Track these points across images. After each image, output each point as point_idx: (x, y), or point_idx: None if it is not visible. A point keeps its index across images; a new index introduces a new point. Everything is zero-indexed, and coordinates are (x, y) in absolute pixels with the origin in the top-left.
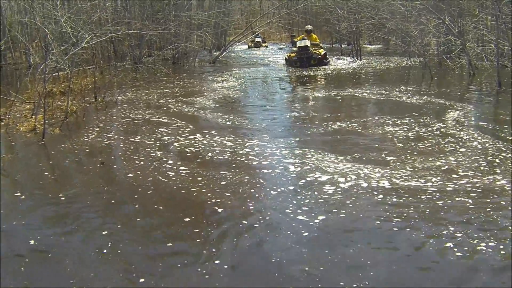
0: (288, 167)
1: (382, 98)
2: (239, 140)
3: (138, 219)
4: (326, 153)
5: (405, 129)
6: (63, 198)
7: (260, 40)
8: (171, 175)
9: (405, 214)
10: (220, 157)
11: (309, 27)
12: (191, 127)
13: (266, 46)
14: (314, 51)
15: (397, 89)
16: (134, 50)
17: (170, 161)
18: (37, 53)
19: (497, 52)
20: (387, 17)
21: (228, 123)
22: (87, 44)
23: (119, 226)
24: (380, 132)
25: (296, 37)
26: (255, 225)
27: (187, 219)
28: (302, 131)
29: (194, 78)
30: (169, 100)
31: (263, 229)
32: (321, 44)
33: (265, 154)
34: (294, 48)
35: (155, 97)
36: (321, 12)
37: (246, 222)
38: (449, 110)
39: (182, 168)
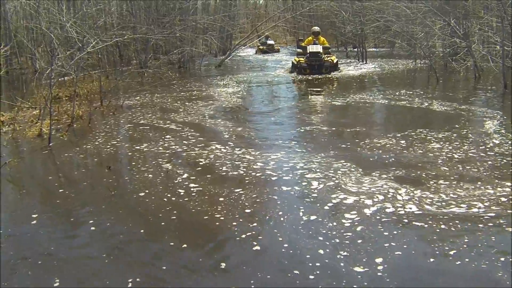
0: (310, 183)
1: (407, 105)
2: (252, 152)
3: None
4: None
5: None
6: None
7: (272, 42)
8: (181, 193)
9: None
10: (234, 172)
11: (316, 28)
12: (199, 135)
13: (278, 50)
14: (326, 59)
15: (415, 94)
16: (140, 54)
17: (179, 177)
18: (43, 58)
19: (503, 53)
20: (392, 19)
21: (238, 132)
22: (92, 48)
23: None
24: (420, 149)
25: (303, 41)
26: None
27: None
28: (325, 143)
29: (200, 82)
30: (176, 106)
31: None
32: (329, 46)
33: (284, 169)
34: (299, 50)
35: (161, 102)
36: (326, 15)
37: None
38: (485, 119)
39: (192, 185)
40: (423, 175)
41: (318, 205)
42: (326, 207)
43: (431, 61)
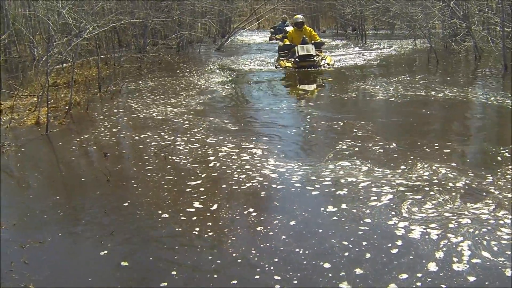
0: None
1: (420, 96)
2: (258, 154)
3: None
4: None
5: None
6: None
7: (291, 28)
8: (177, 179)
9: None
10: (243, 186)
11: (299, 18)
12: (199, 125)
13: None
14: (320, 62)
15: (415, 80)
16: (138, 39)
17: (176, 163)
18: (41, 46)
19: (503, 34)
20: (391, 1)
21: (239, 127)
22: (89, 34)
23: None
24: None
25: (287, 30)
26: None
27: None
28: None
29: (198, 67)
30: (174, 92)
31: None
32: (321, 39)
33: (291, 181)
34: (281, 44)
35: (160, 87)
36: None
37: None
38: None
39: (196, 204)
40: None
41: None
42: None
43: (431, 43)
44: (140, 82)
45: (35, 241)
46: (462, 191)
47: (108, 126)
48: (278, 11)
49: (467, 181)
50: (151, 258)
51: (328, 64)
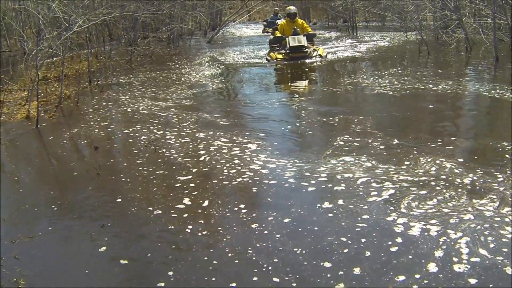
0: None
1: (415, 90)
2: (250, 149)
3: None
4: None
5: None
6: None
7: (282, 21)
8: (166, 172)
9: None
10: (234, 182)
11: (292, 9)
12: (189, 119)
13: None
14: (312, 53)
15: (405, 73)
16: (129, 32)
17: (166, 157)
18: (31, 40)
19: (494, 26)
20: None
21: (230, 122)
22: (79, 28)
23: None
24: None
25: (279, 23)
26: None
27: None
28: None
29: (189, 60)
30: (164, 85)
31: None
32: (314, 31)
33: (284, 177)
34: (272, 37)
35: (150, 81)
36: None
37: None
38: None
39: (186, 201)
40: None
41: None
42: None
43: (422, 35)
44: (131, 76)
45: (25, 236)
46: (468, 187)
47: (98, 119)
48: (269, 3)
49: (474, 178)
50: (148, 255)
51: (320, 55)
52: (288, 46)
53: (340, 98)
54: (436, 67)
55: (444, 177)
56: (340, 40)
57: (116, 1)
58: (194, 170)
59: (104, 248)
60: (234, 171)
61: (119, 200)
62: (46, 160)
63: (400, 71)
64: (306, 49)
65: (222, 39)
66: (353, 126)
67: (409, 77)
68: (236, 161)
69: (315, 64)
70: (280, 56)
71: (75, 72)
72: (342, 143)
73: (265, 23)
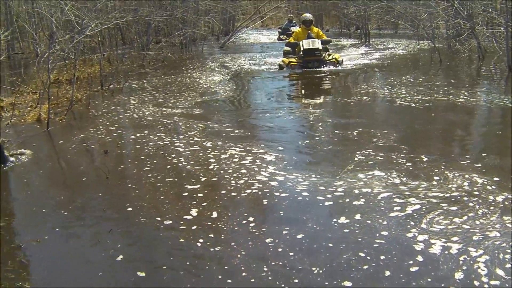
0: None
1: (443, 101)
2: (262, 160)
3: None
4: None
5: None
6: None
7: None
8: (176, 179)
9: None
10: (243, 193)
11: (308, 16)
12: (199, 127)
13: None
14: (328, 58)
15: (417, 83)
16: (142, 37)
17: (175, 163)
18: (44, 42)
19: (507, 35)
20: (396, 0)
21: (242, 131)
22: (91, 31)
23: None
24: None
25: (293, 30)
26: None
27: None
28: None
29: (201, 66)
30: (175, 91)
31: None
32: (329, 38)
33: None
34: (287, 48)
35: (161, 86)
36: None
37: None
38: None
39: (194, 212)
40: None
41: None
42: None
43: (434, 43)
44: (144, 80)
45: (32, 240)
46: (501, 205)
47: (107, 123)
48: (282, 9)
49: (508, 196)
50: (159, 272)
51: (336, 60)
52: (302, 49)
53: (358, 110)
54: (449, 77)
55: (476, 193)
56: (355, 47)
57: (130, 5)
58: (202, 179)
59: (118, 257)
60: (242, 182)
61: (129, 208)
62: (56, 163)
63: (417, 80)
64: (321, 53)
65: (234, 45)
66: (375, 140)
67: (421, 87)
68: (246, 172)
69: (328, 72)
70: (293, 60)
71: (87, 75)
72: (363, 157)
73: (280, 30)
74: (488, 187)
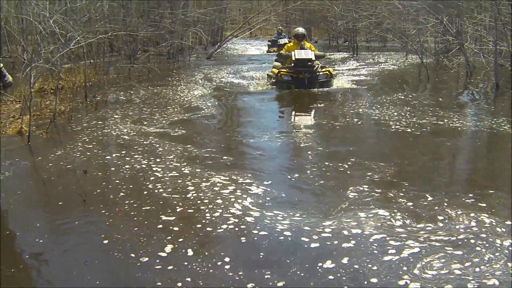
0: None
1: (439, 126)
2: (243, 194)
3: None
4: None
5: None
6: None
7: (286, 41)
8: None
9: None
10: (219, 229)
11: (300, 30)
12: (180, 151)
13: None
14: (320, 70)
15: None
16: (129, 45)
17: (153, 183)
18: (31, 47)
19: (495, 52)
20: (385, 15)
21: (223, 157)
22: (77, 45)
23: None
24: None
25: (282, 42)
26: None
27: None
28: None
29: (186, 77)
30: (160, 105)
31: None
32: (323, 53)
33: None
34: (276, 63)
35: (147, 99)
36: (318, 10)
37: None
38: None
39: (168, 249)
40: None
41: None
42: None
43: (422, 59)
44: (131, 92)
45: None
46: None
47: (87, 140)
48: (271, 21)
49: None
50: None
51: (329, 73)
52: (294, 58)
53: (349, 134)
54: (438, 95)
55: (483, 236)
56: (344, 62)
57: (117, 15)
58: (178, 210)
59: None
60: (217, 214)
61: (105, 241)
62: (32, 183)
63: (407, 98)
64: (314, 64)
65: (222, 56)
66: (370, 174)
67: (412, 107)
68: (224, 204)
69: (317, 90)
70: (284, 71)
71: (72, 85)
72: (355, 194)
73: (269, 43)
74: (496, 229)
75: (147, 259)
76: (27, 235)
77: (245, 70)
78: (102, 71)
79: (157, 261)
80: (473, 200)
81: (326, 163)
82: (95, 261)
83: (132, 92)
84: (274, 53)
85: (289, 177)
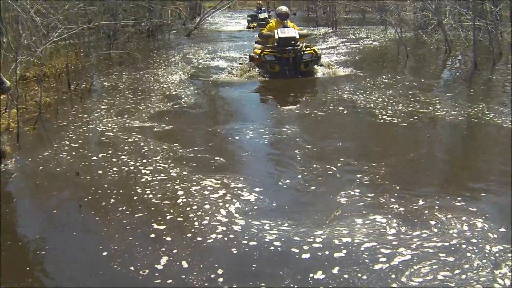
0: None
1: (426, 115)
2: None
3: None
4: None
5: None
6: None
7: (266, 15)
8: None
9: None
10: (209, 239)
11: (284, 9)
12: (170, 156)
13: None
14: (305, 49)
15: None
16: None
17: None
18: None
19: (474, 33)
20: None
21: (215, 163)
22: (59, 37)
23: None
24: None
25: (265, 16)
26: None
27: None
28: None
29: (168, 60)
30: (144, 93)
31: None
32: (307, 32)
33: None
34: (258, 42)
35: (130, 86)
36: None
37: None
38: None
39: (164, 259)
40: None
41: None
42: None
43: (401, 37)
44: (114, 77)
45: None
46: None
47: (74, 137)
48: None
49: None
50: None
51: (315, 52)
52: (277, 37)
53: (336, 128)
54: (419, 75)
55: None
56: (325, 39)
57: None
58: (168, 217)
59: None
60: (205, 222)
61: (104, 252)
62: (26, 189)
63: (391, 81)
64: (298, 43)
65: (201, 32)
66: (359, 176)
67: (395, 91)
68: (214, 212)
69: (300, 76)
70: (267, 51)
71: (54, 72)
72: (346, 200)
73: (249, 18)
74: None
75: (147, 271)
76: (29, 239)
77: (225, 49)
78: (82, 52)
79: (156, 274)
80: (463, 203)
81: (315, 165)
82: (99, 272)
83: (115, 77)
84: (253, 28)
85: (279, 182)
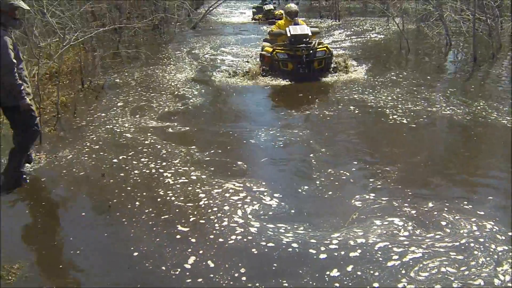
0: None
1: (427, 115)
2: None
3: None
4: None
5: None
6: None
7: (271, 7)
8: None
9: None
10: (230, 241)
11: (293, 7)
12: (188, 160)
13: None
14: (318, 46)
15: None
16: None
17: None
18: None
19: (474, 28)
20: None
21: (233, 167)
22: (76, 41)
23: None
24: None
25: (270, 7)
26: None
27: None
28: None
29: (176, 56)
30: (155, 91)
31: None
32: (317, 29)
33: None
34: (266, 44)
35: (142, 83)
36: None
37: None
38: None
39: (191, 259)
40: None
41: None
42: None
43: (402, 31)
44: (125, 74)
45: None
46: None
47: (94, 138)
48: None
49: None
50: None
51: (327, 49)
52: (289, 34)
53: (350, 130)
54: (422, 73)
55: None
56: (330, 32)
57: None
58: (191, 219)
59: None
60: (225, 223)
61: (135, 253)
62: (53, 193)
63: (398, 79)
64: (310, 40)
65: (206, 24)
66: (372, 180)
67: (402, 89)
68: (232, 214)
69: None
70: (279, 49)
71: (66, 68)
72: (361, 203)
73: (254, 10)
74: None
75: (178, 270)
76: (53, 252)
77: (232, 44)
78: (90, 48)
79: (187, 273)
80: (471, 206)
81: (329, 170)
82: (134, 268)
83: (126, 74)
84: (259, 20)
85: (298, 189)
